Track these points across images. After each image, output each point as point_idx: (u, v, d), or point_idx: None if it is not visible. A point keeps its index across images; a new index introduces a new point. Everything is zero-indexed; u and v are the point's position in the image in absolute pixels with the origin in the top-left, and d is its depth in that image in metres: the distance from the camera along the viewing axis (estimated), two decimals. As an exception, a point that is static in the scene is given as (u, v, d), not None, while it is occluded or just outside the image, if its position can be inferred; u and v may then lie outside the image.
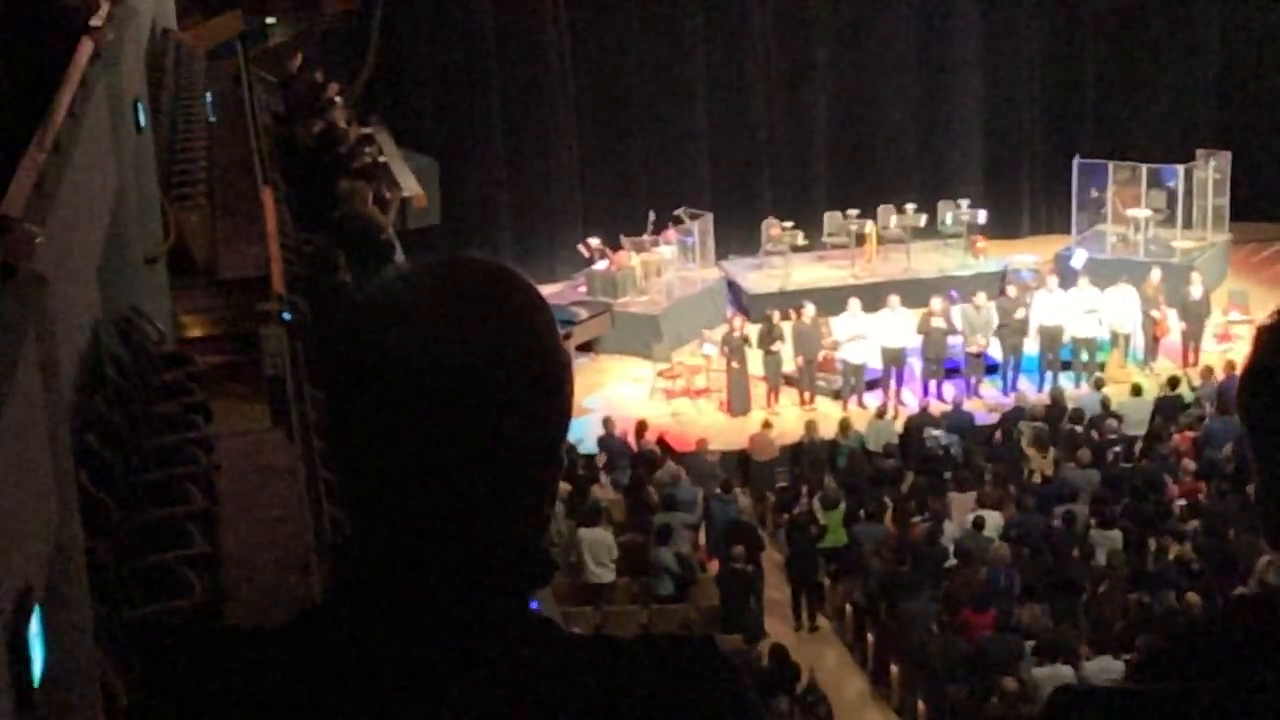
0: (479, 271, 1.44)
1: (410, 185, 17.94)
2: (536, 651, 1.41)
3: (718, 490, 17.22)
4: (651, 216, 23.15)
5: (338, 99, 17.23)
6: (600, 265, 22.92)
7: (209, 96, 13.93)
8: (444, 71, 24.11)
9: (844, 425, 18.85)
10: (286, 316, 7.84)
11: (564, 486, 17.37)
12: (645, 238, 23.14)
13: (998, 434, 18.79)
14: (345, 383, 1.40)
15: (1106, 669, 13.38)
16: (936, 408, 19.59)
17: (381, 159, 16.88)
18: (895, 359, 20.61)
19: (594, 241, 23.17)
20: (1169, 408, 18.93)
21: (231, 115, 13.89)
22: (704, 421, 20.38)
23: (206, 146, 12.03)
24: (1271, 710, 1.28)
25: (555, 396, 1.43)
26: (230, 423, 7.14)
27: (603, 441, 18.65)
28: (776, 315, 20.81)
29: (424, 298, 1.40)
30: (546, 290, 23.37)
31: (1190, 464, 17.49)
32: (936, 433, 18.60)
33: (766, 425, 18.94)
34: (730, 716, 1.44)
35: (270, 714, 1.39)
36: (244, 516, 6.04)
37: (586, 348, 22.12)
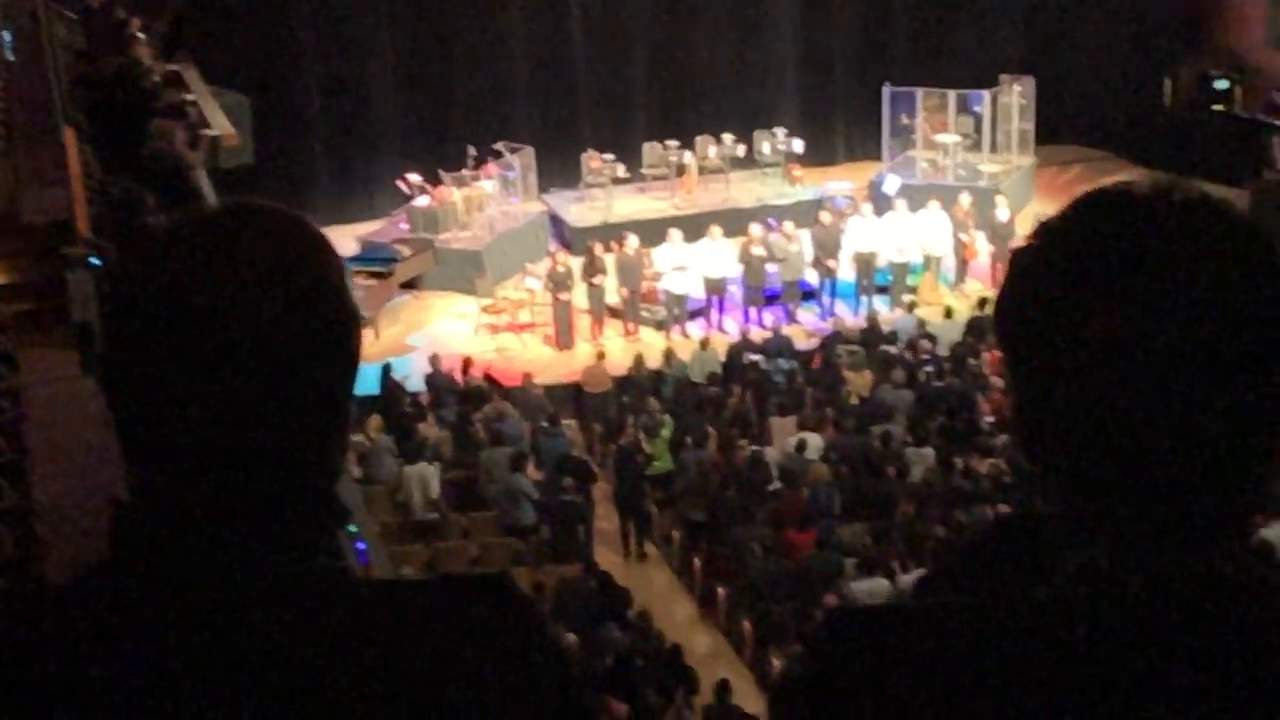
0: (269, 217, 1.41)
1: (220, 123, 17.54)
2: (323, 601, 1.38)
3: (544, 424, 17.32)
4: (472, 151, 23.02)
5: (141, 34, 16.78)
6: (421, 201, 22.77)
7: (6, 34, 13.49)
8: (254, 5, 23.62)
9: (668, 355, 19.07)
10: (94, 261, 7.70)
11: (391, 425, 17.36)
12: (466, 172, 23.02)
13: (817, 358, 19.19)
14: (132, 325, 1.37)
15: (923, 582, 13.85)
16: (757, 334, 19.92)
17: (190, 96, 16.51)
18: (716, 288, 20.90)
19: (414, 177, 22.99)
20: (978, 327, 19.49)
21: (30, 53, 13.47)
22: (529, 355, 20.45)
23: (4, 86, 11.68)
24: (1030, 625, 1.30)
25: (343, 347, 1.41)
26: (37, 372, 7.00)
27: (429, 379, 18.62)
28: (599, 248, 20.92)
29: (214, 242, 1.37)
30: (367, 227, 23.24)
31: (999, 381, 18.04)
32: (758, 358, 18.89)
33: (600, 357, 19.08)
34: (523, 655, 1.42)
35: (49, 677, 1.35)
36: (55, 468, 5.94)
37: (410, 285, 22.00)
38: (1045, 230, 1.34)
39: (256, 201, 1.43)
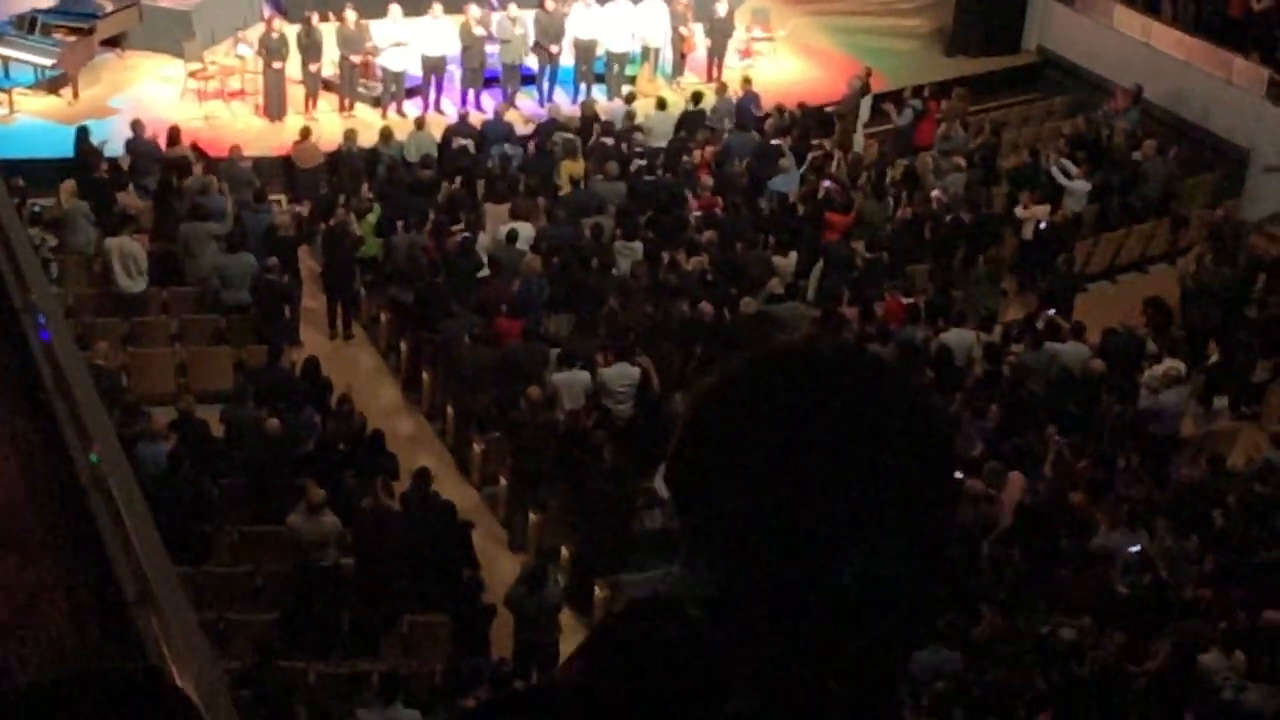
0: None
1: None
2: None
3: (250, 199, 17.00)
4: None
5: None
6: (125, -46, 21.59)
7: None
8: None
9: (385, 134, 18.78)
10: None
11: (86, 191, 16.78)
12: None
13: (531, 145, 19.22)
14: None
15: (623, 374, 14.34)
16: (476, 118, 19.78)
17: None
18: (436, 67, 20.58)
19: (118, -72, 21.73)
20: (691, 122, 19.79)
21: None
22: (238, 126, 19.86)
23: None
24: None
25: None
26: None
27: (130, 145, 17.94)
28: (315, 17, 20.28)
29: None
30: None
31: (708, 179, 18.46)
32: (468, 143, 18.79)
33: (307, 133, 18.66)
34: None
35: None
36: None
37: (112, 43, 21.00)
38: (727, 383, 1.37)
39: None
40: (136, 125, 18.07)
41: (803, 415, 1.30)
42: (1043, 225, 18.02)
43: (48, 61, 19.74)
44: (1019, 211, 18.29)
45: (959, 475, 8.72)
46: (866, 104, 20.63)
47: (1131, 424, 14.53)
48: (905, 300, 16.14)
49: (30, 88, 19.88)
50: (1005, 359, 14.95)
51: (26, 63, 19.78)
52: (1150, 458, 14.23)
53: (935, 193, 18.36)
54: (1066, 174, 18.81)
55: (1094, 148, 19.83)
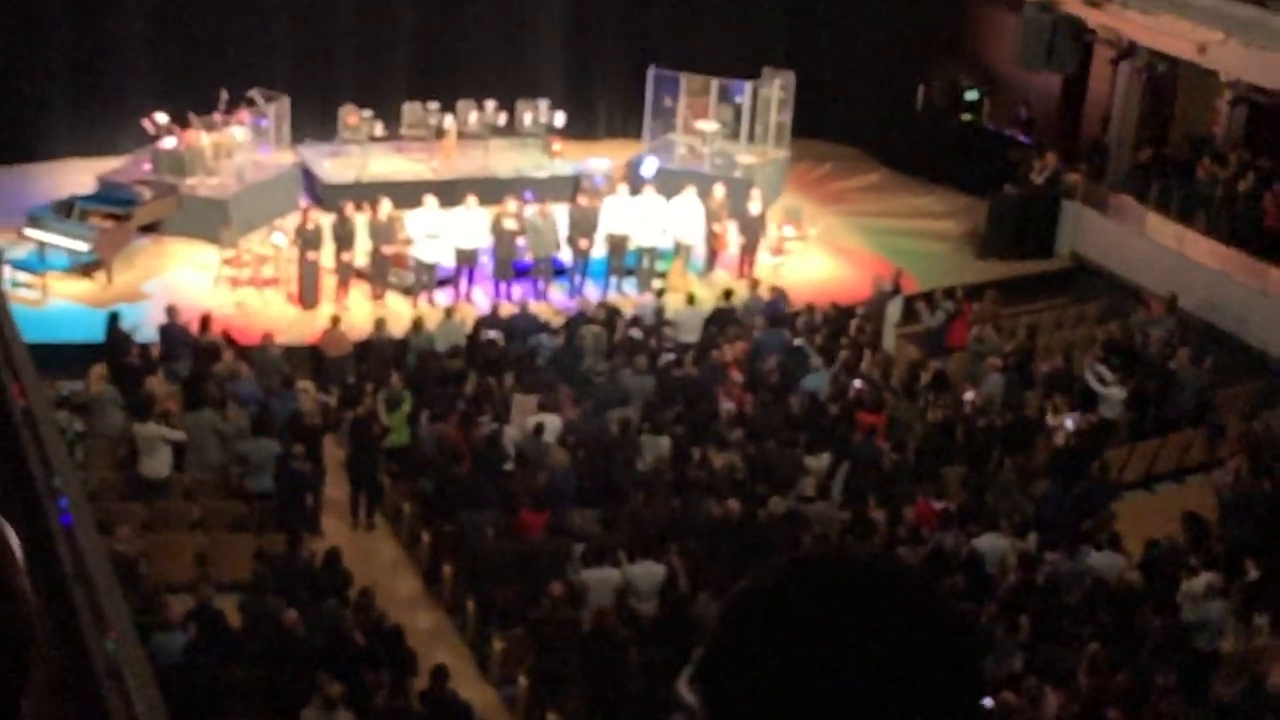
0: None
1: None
2: None
3: (278, 385, 16.95)
4: (224, 95, 22.27)
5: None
6: (168, 143, 21.95)
7: None
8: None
9: (416, 323, 18.82)
10: None
11: (116, 376, 16.77)
12: (217, 117, 22.26)
13: (561, 337, 19.21)
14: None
15: (649, 573, 14.06)
16: (506, 309, 19.82)
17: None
18: (468, 258, 20.73)
19: (161, 117, 22.12)
20: (722, 318, 19.79)
21: None
22: (270, 313, 19.96)
23: None
24: None
25: None
26: None
27: (164, 330, 18.00)
28: (350, 207, 20.52)
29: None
30: (107, 164, 22.34)
31: (738, 375, 18.36)
32: (496, 334, 18.80)
33: (335, 321, 18.71)
34: None
35: None
36: None
37: (150, 229, 21.24)
38: (761, 590, 1.41)
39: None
40: (171, 310, 18.14)
41: (833, 627, 1.35)
42: (1072, 429, 17.81)
43: (84, 247, 19.94)
44: (1050, 419, 18.11)
45: (988, 698, 8.49)
46: (897, 304, 20.63)
47: (1171, 638, 14.12)
48: (936, 504, 15.89)
49: (65, 271, 20.05)
50: (1040, 567, 14.63)
51: (63, 248, 19.97)
52: (1188, 674, 13.79)
53: (968, 395, 18.22)
54: (1101, 380, 18.66)
55: (1128, 355, 19.72)
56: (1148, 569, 14.75)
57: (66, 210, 20.23)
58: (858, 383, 18.34)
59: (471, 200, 20.79)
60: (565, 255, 21.34)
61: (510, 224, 20.63)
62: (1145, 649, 14.03)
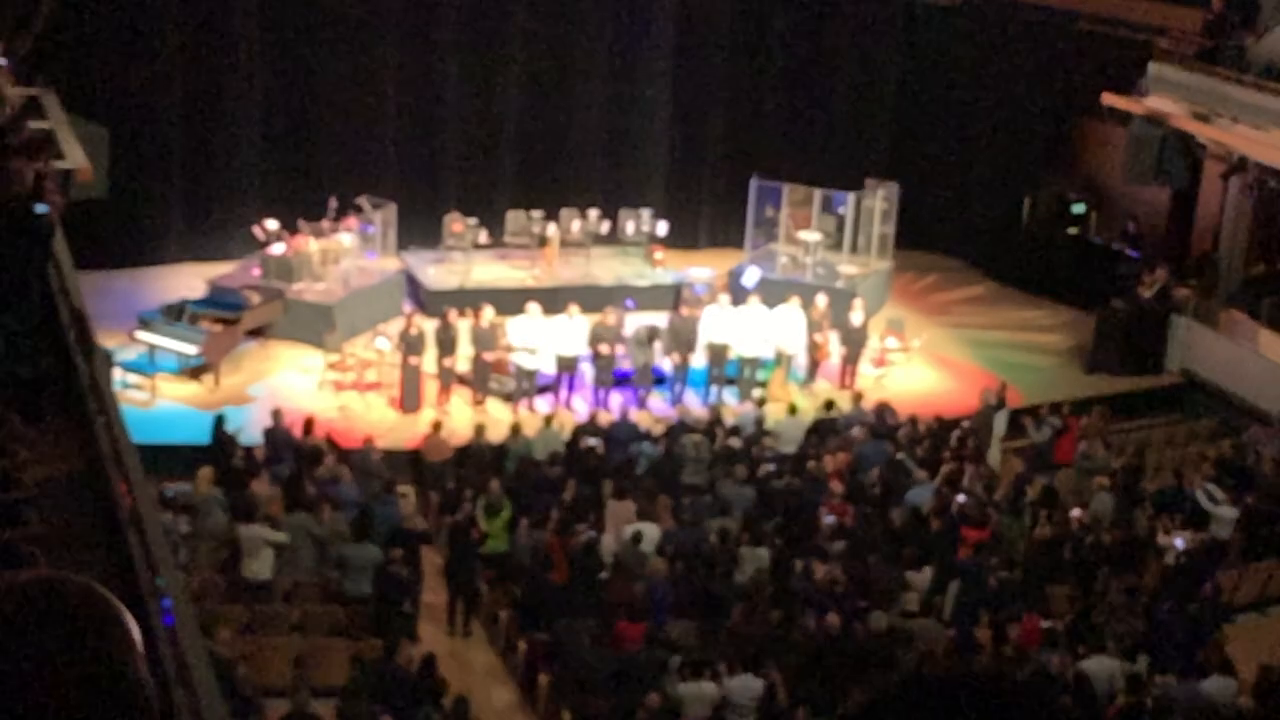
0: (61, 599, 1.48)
1: (76, 157, 17.04)
2: None
3: (380, 490, 17.02)
4: (333, 203, 22.69)
5: (3, 60, 16.29)
6: (276, 249, 22.36)
7: None
8: (119, 32, 23.08)
9: (515, 429, 18.87)
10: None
11: (221, 478, 16.93)
12: (325, 224, 22.67)
13: (660, 446, 19.14)
14: None
15: (747, 687, 13.83)
16: (604, 417, 19.82)
17: (46, 126, 16.02)
18: (568, 366, 20.81)
19: (270, 224, 22.57)
20: (823, 429, 19.62)
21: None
22: (372, 417, 20.12)
23: None
24: None
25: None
26: None
27: (268, 433, 18.19)
28: (454, 314, 20.71)
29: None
30: (218, 269, 22.80)
31: (838, 486, 18.16)
32: (596, 443, 18.79)
33: (437, 426, 18.81)
34: None
35: None
36: None
37: (257, 333, 21.57)
38: (875, 708, 1.39)
39: (49, 579, 1.48)
40: (277, 414, 18.33)
41: None
42: (1182, 548, 17.38)
43: (192, 350, 20.27)
44: (1160, 538, 17.68)
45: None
46: (1002, 418, 20.35)
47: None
48: (1044, 623, 15.52)
49: (174, 374, 20.38)
50: (1149, 690, 14.20)
51: (172, 350, 20.33)
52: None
53: (1075, 512, 17.86)
54: (1212, 499, 18.23)
55: (1241, 474, 19.26)
56: (1261, 694, 14.26)
57: (177, 314, 20.61)
58: (961, 497, 18.05)
59: (574, 308, 20.91)
60: (666, 364, 21.34)
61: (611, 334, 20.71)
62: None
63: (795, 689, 14.05)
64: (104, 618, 1.47)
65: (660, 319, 21.58)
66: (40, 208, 10.23)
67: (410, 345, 20.27)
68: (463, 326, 20.67)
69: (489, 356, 20.64)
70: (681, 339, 21.15)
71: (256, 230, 22.64)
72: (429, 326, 20.65)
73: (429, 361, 20.50)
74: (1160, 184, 24.43)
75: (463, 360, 20.72)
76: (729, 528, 16.80)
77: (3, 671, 1.37)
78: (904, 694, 1.39)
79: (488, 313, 20.66)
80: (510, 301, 21.79)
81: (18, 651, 1.39)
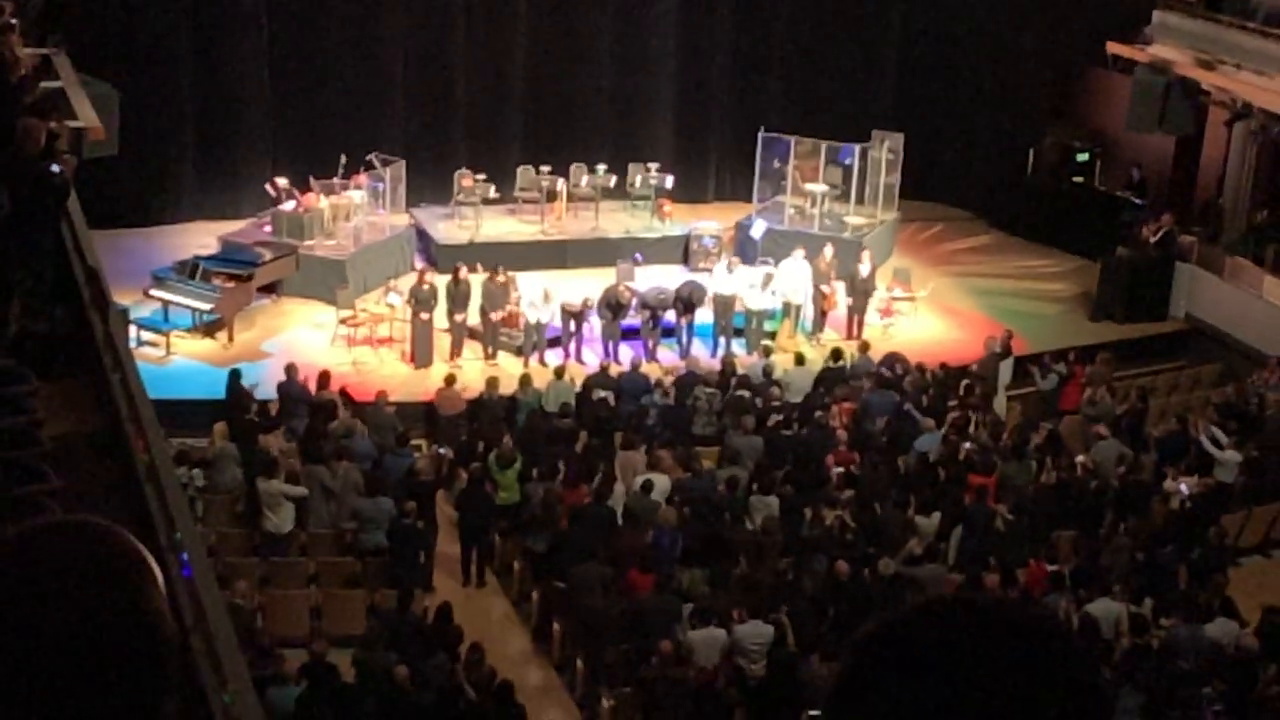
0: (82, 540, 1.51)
1: (87, 115, 17.18)
2: None
3: (393, 443, 17.22)
4: (343, 160, 22.81)
5: (14, 21, 16.38)
6: (287, 206, 22.52)
7: None
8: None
9: (524, 381, 19.03)
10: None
11: (235, 433, 17.16)
12: (335, 181, 22.81)
13: (670, 397, 19.31)
14: None
15: (757, 633, 14.05)
16: (614, 369, 19.99)
17: (58, 84, 16.15)
18: (576, 317, 20.96)
19: (281, 181, 22.73)
20: (830, 379, 19.78)
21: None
22: (385, 371, 20.31)
23: None
24: None
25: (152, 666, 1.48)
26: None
27: (282, 387, 18.38)
28: (464, 269, 20.83)
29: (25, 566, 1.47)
30: (229, 226, 22.98)
31: (844, 434, 18.33)
32: (607, 395, 18.98)
33: (451, 380, 18.99)
34: None
35: None
36: None
37: (269, 289, 21.75)
38: (890, 631, 1.40)
39: (74, 522, 1.51)
40: (290, 369, 18.52)
41: (964, 665, 1.33)
42: (1187, 493, 17.56)
43: (206, 306, 20.46)
44: (1167, 483, 17.85)
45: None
46: (1008, 366, 20.50)
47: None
48: (1049, 567, 15.72)
49: (188, 330, 20.58)
50: (1154, 633, 14.42)
51: (186, 307, 20.52)
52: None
53: (1080, 458, 18.03)
54: (1217, 444, 18.38)
55: (1245, 418, 19.40)
56: (1265, 635, 14.46)
57: (190, 271, 20.79)
58: (968, 444, 18.23)
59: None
60: (672, 317, 21.46)
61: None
62: (1264, 716, 13.75)
63: (804, 635, 14.28)
64: (128, 560, 1.50)
65: (670, 272, 21.69)
66: (55, 167, 10.39)
67: (422, 301, 20.42)
68: (474, 282, 20.81)
69: (495, 317, 20.77)
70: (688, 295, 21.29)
71: (268, 187, 22.80)
72: (441, 282, 20.80)
73: (440, 317, 20.65)
74: (1165, 132, 24.45)
75: (474, 314, 20.86)
76: (738, 476, 16.98)
77: (29, 613, 1.41)
78: (920, 615, 1.39)
79: (502, 275, 20.82)
80: (520, 255, 21.93)
81: (44, 593, 1.43)
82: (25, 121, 11.20)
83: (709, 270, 22.42)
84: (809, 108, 26.58)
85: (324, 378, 18.45)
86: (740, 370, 20.06)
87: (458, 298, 20.56)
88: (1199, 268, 23.52)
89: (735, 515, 16.34)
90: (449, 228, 23.75)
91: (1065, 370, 20.42)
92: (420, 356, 20.53)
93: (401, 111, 25.04)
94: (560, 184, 23.87)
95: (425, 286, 20.51)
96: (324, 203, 22.54)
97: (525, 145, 25.37)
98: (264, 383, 18.75)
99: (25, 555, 1.47)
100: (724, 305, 21.54)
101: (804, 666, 13.37)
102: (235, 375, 18.22)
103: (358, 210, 22.77)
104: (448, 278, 20.86)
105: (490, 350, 20.89)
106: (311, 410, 18.00)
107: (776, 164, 24.95)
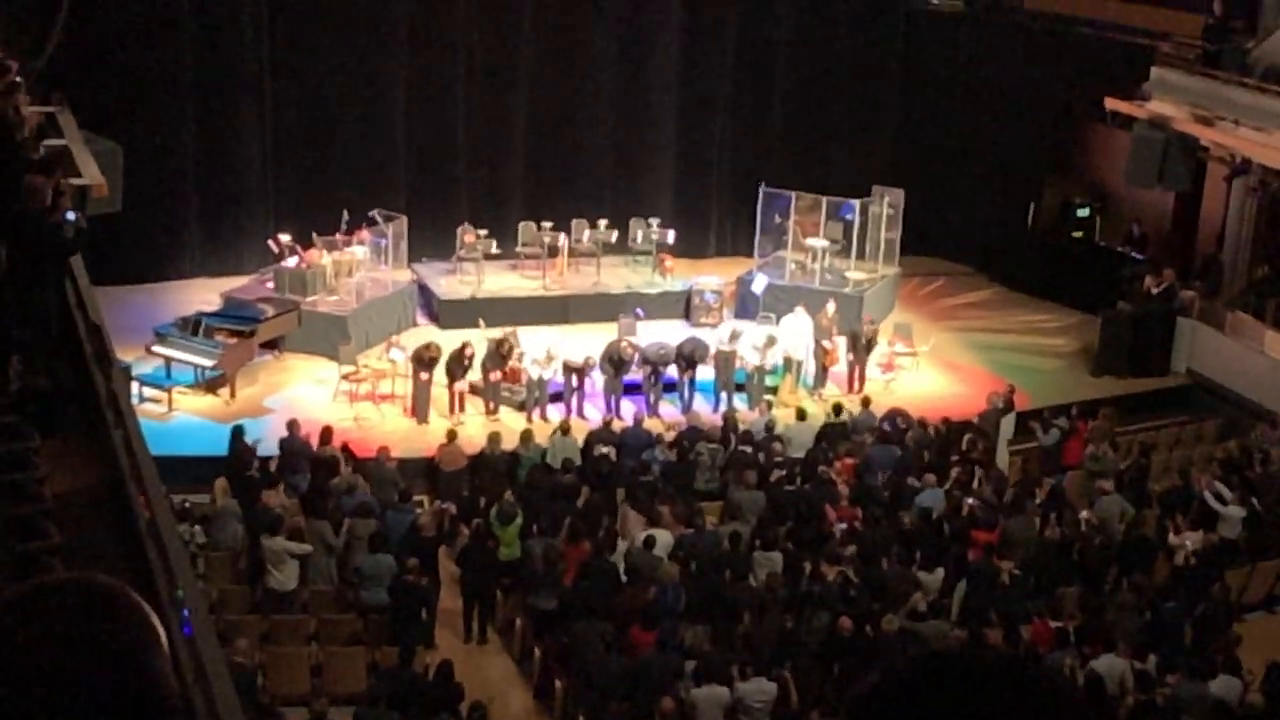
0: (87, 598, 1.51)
1: (91, 173, 17.29)
2: None
3: (395, 499, 17.19)
4: (345, 216, 22.91)
5: (19, 79, 16.50)
6: (290, 262, 22.58)
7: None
8: (133, 50, 23.33)
9: (526, 436, 19.03)
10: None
11: (237, 489, 17.12)
12: (338, 236, 22.89)
13: (673, 453, 19.28)
14: None
15: (760, 690, 13.97)
16: (617, 425, 19.97)
17: (62, 142, 16.25)
18: (578, 373, 20.96)
19: (284, 237, 22.81)
20: (832, 434, 19.77)
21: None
22: (387, 427, 20.30)
23: None
24: None
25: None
26: None
27: (284, 443, 18.36)
28: (470, 347, 20.62)
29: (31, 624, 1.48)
30: (232, 283, 23.03)
31: (845, 490, 18.29)
32: (608, 450, 18.96)
33: (452, 435, 18.97)
34: None
35: None
36: None
37: (272, 345, 21.78)
38: (889, 685, 1.38)
39: (79, 581, 1.51)
40: (293, 425, 18.50)
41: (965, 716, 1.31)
42: (1192, 549, 17.50)
43: (208, 362, 20.48)
44: (1171, 538, 17.81)
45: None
46: (1010, 421, 20.49)
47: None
48: (1054, 624, 15.66)
49: (190, 387, 20.59)
50: (1159, 689, 14.34)
51: (188, 363, 20.53)
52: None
53: (1084, 514, 17.99)
54: (1220, 499, 18.35)
55: (1247, 474, 19.37)
56: (1270, 692, 14.38)
57: (192, 327, 20.82)
58: (971, 500, 18.20)
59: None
60: (674, 372, 21.47)
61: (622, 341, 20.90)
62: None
63: (807, 692, 14.20)
64: (134, 621, 1.50)
65: (672, 327, 21.71)
66: (69, 216, 10.42)
67: (425, 365, 20.39)
68: (480, 349, 20.74)
69: (495, 377, 20.74)
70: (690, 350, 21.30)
71: (270, 244, 22.88)
72: (447, 347, 20.69)
73: (440, 374, 20.61)
74: (1164, 187, 24.55)
75: (475, 370, 20.83)
76: (740, 532, 16.94)
77: (34, 668, 1.41)
78: (918, 670, 1.37)
79: (516, 340, 20.85)
80: (521, 311, 21.96)
81: (49, 649, 1.43)
82: (30, 179, 11.26)
83: (711, 325, 22.46)
84: (809, 163, 26.70)
85: (326, 433, 18.44)
86: (742, 425, 20.05)
87: (458, 371, 20.50)
88: (1200, 322, 23.56)
89: (738, 571, 16.28)
90: (451, 283, 23.82)
91: (1067, 425, 20.41)
92: (420, 413, 20.50)
93: (403, 168, 25.16)
94: (562, 239, 23.96)
95: (431, 353, 20.40)
96: (326, 259, 22.60)
97: (527, 201, 25.48)
98: (266, 438, 18.73)
99: (29, 615, 1.46)
100: (725, 361, 21.55)
101: (808, 724, 13.28)
102: (237, 431, 18.21)
103: (360, 266, 22.83)
104: (453, 350, 20.69)
105: (492, 405, 20.88)
106: (313, 466, 17.97)
107: (777, 219, 25.05)
